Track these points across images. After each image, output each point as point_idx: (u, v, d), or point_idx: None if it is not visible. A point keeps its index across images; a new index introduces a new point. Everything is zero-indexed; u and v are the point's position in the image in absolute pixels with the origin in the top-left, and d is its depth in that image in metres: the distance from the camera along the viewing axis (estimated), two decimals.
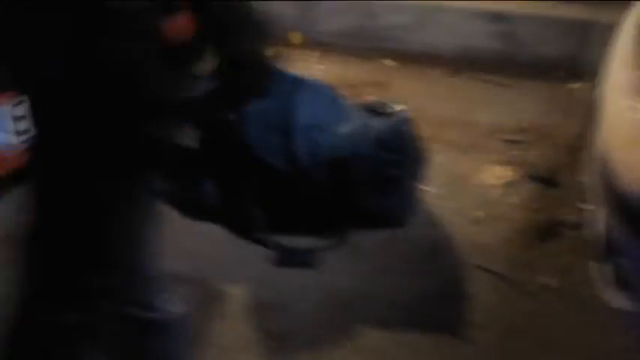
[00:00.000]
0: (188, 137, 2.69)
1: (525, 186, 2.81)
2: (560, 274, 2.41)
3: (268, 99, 2.61)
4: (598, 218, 1.89)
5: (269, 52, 1.73)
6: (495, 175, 2.87)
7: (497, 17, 3.61)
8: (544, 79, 3.41)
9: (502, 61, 3.59)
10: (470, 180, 2.86)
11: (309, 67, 3.68)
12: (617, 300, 1.78)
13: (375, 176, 2.56)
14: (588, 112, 2.12)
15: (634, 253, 1.75)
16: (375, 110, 2.72)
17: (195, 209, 2.70)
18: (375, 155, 2.55)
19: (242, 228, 2.63)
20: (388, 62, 3.67)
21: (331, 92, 2.69)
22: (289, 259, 2.55)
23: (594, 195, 1.91)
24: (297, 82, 2.64)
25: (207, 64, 1.73)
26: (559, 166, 2.80)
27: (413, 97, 3.38)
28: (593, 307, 1.94)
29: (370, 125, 2.60)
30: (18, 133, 1.50)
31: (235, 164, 2.65)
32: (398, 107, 2.71)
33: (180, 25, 1.61)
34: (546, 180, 2.81)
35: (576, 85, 3.31)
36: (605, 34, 2.28)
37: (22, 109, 1.50)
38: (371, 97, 3.30)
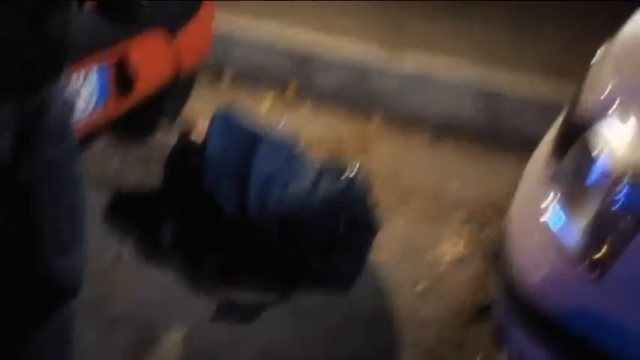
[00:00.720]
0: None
1: (476, 263, 2.86)
2: (487, 356, 2.45)
3: (230, 148, 2.73)
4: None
5: None
6: (449, 249, 2.93)
7: (483, 91, 3.68)
8: (521, 156, 3.44)
9: (483, 134, 3.65)
10: (423, 251, 2.91)
11: (297, 118, 3.77)
12: None
13: (320, 235, 2.65)
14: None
15: (516, 343, 1.80)
16: (332, 170, 2.80)
17: (152, 250, 2.81)
18: (322, 215, 2.64)
19: (193, 274, 2.73)
20: (374, 123, 3.75)
21: (291, 148, 2.80)
22: (231, 311, 2.63)
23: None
24: (260, 136, 2.75)
25: None
26: None
27: (390, 161, 3.47)
28: None
29: (322, 185, 2.69)
30: None
31: (192, 208, 2.75)
32: (355, 169, 2.79)
33: None
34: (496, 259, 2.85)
35: None
36: None
37: None
38: (347, 156, 3.38)
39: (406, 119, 3.76)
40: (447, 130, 3.69)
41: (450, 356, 2.48)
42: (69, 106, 1.76)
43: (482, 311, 2.63)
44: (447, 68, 3.84)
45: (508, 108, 3.68)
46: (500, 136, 3.65)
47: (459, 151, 3.56)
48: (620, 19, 2.19)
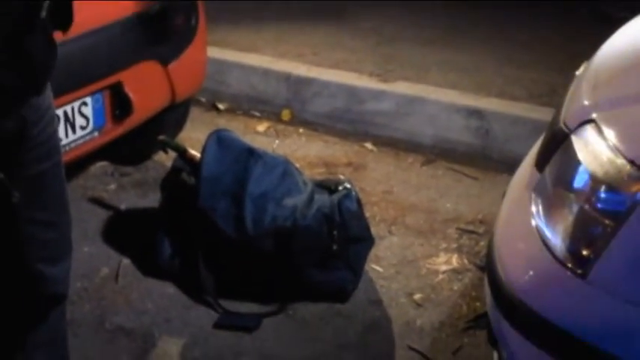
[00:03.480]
0: None
1: (471, 274, 2.90)
2: None
3: (225, 167, 2.78)
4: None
5: None
6: (445, 261, 2.97)
7: (474, 113, 3.76)
8: (511, 176, 3.50)
9: (474, 155, 3.73)
10: (419, 263, 2.95)
11: (292, 143, 3.84)
12: None
13: (315, 249, 2.69)
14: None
15: (509, 344, 1.84)
16: (325, 187, 2.86)
17: (151, 264, 2.85)
18: (317, 229, 2.68)
19: (192, 287, 2.77)
20: (368, 146, 3.82)
21: (285, 166, 2.85)
22: (230, 321, 2.67)
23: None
24: (254, 154, 2.80)
25: None
26: None
27: (385, 181, 3.52)
28: None
29: (316, 200, 2.74)
30: None
31: (190, 226, 2.80)
32: (348, 185, 2.85)
33: None
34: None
35: None
36: None
37: None
38: (343, 177, 3.44)
39: (399, 142, 3.83)
40: (439, 153, 3.77)
41: None
42: (54, 124, 1.81)
43: (479, 319, 2.67)
44: (437, 95, 3.92)
45: (498, 131, 3.75)
46: (491, 158, 3.72)
47: (452, 172, 3.62)
48: (598, 46, 2.28)
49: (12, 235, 1.75)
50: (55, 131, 1.81)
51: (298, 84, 4.06)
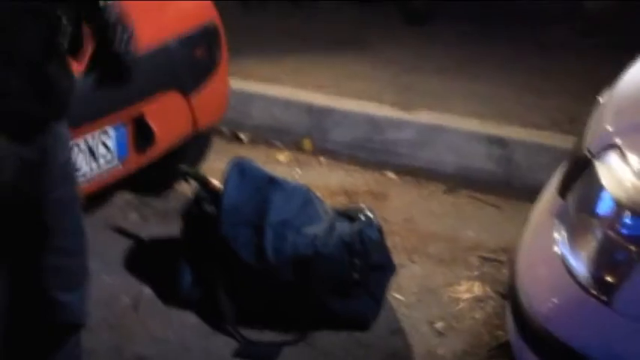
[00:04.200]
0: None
1: (493, 302, 2.88)
2: None
3: (245, 196, 2.79)
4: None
5: None
6: (466, 289, 2.95)
7: (496, 141, 3.75)
8: (533, 202, 3.48)
9: (496, 183, 3.71)
10: (441, 292, 2.94)
11: (314, 171, 3.84)
12: None
13: (336, 277, 2.68)
14: None
15: None
16: (346, 215, 2.85)
17: (171, 293, 2.85)
18: (338, 257, 2.68)
19: (212, 316, 2.77)
20: (389, 174, 3.82)
21: (306, 194, 2.85)
22: (251, 351, 2.66)
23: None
24: (274, 182, 2.81)
25: None
26: None
27: (407, 210, 3.52)
28: None
29: (337, 228, 2.73)
30: None
31: (211, 255, 2.80)
32: (369, 214, 2.84)
33: None
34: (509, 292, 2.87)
35: None
36: None
37: None
38: (364, 205, 3.42)
39: (420, 171, 3.83)
40: (461, 181, 3.76)
41: None
42: (69, 153, 1.83)
43: (501, 347, 2.64)
44: (458, 123, 3.92)
45: (520, 159, 3.74)
46: (513, 186, 3.70)
47: (473, 201, 3.61)
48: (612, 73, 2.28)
49: (28, 262, 1.76)
50: (71, 159, 1.83)
51: (319, 114, 4.08)
